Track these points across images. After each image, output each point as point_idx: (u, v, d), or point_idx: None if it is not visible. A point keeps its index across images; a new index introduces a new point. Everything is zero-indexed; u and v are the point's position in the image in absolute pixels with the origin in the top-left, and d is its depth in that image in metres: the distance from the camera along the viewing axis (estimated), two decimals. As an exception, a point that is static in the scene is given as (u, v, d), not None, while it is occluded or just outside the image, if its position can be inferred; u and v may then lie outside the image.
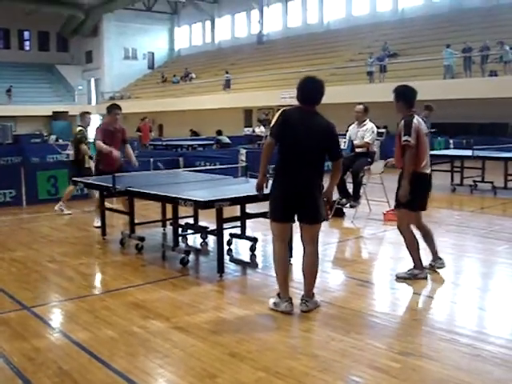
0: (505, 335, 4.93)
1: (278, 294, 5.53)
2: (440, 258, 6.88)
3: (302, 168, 5.35)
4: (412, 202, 6.28)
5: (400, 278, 6.46)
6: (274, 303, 5.53)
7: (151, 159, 13.80)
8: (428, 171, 6.43)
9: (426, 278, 6.45)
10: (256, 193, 5.69)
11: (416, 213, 6.58)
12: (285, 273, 5.54)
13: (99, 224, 9.30)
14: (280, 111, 5.46)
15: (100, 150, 9.38)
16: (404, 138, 6.13)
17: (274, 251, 5.58)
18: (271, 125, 5.48)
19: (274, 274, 5.63)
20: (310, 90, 5.48)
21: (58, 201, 12.52)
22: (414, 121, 6.19)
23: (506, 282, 6.64)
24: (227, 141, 23.94)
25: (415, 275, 6.45)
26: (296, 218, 5.52)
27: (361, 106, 10.59)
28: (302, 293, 5.58)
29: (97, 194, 9.72)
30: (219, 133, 24.29)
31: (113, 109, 9.65)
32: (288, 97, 31.43)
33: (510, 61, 23.82)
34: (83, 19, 50.10)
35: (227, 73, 39.58)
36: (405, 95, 6.36)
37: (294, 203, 5.41)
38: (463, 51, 25.33)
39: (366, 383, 4.03)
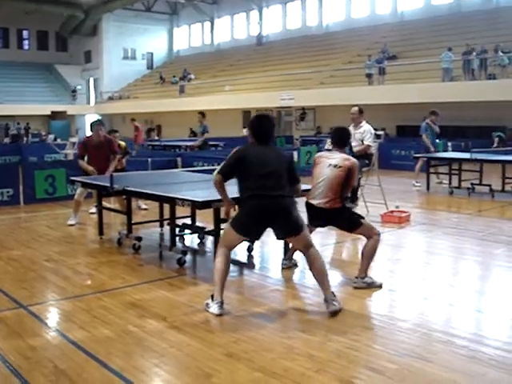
0: (501, 337, 4.93)
1: (212, 296, 5.51)
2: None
3: (274, 190, 5.42)
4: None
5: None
6: (206, 303, 5.53)
7: (149, 159, 13.78)
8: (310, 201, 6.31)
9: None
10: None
11: None
12: (225, 278, 5.53)
13: (73, 222, 10.08)
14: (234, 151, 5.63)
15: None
16: None
17: (219, 257, 5.55)
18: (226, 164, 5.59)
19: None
20: (267, 129, 5.70)
21: (55, 200, 12.55)
22: None
23: (503, 284, 6.64)
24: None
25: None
26: (278, 235, 5.67)
27: (356, 108, 10.58)
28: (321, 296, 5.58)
29: (77, 192, 10.36)
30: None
31: (94, 125, 10.33)
32: (287, 98, 31.51)
33: (505, 65, 23.87)
34: (82, 19, 50.08)
35: (181, 79, 41.27)
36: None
37: (269, 224, 5.53)
38: (464, 54, 25.33)
39: (362, 384, 4.03)
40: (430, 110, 15.19)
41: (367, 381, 4.06)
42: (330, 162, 6.23)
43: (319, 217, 6.35)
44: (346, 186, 6.25)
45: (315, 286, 6.18)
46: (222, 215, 5.79)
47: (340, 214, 6.26)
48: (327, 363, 4.37)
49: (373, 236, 6.33)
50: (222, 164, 5.65)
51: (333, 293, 5.55)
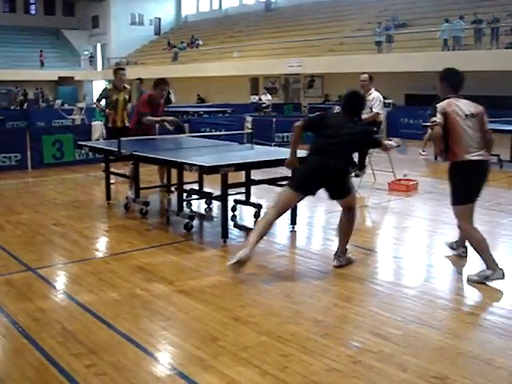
0: (506, 306, 4.95)
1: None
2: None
3: (335, 156, 5.69)
4: (455, 194, 5.68)
5: (471, 282, 5.50)
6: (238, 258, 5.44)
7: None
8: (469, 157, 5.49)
9: (502, 278, 5.42)
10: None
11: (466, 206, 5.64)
12: (264, 234, 5.71)
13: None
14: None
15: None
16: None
17: (269, 214, 5.74)
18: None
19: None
20: (356, 105, 6.13)
21: (63, 165, 12.56)
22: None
23: (508, 254, 6.64)
24: None
25: (487, 277, 5.46)
26: (329, 196, 5.92)
27: (365, 75, 10.49)
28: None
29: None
30: None
31: (161, 84, 9.13)
32: (295, 65, 31.24)
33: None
34: (90, -17, 49.64)
35: (174, 47, 42.04)
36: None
37: (323, 184, 5.79)
38: (473, 23, 25.01)
39: (367, 349, 4.05)
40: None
41: (373, 346, 4.09)
42: (464, 111, 5.59)
43: (486, 172, 5.68)
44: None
45: (321, 252, 6.23)
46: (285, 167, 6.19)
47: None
48: (333, 328, 4.40)
49: None
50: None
51: (346, 250, 6.01)
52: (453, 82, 5.83)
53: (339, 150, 5.70)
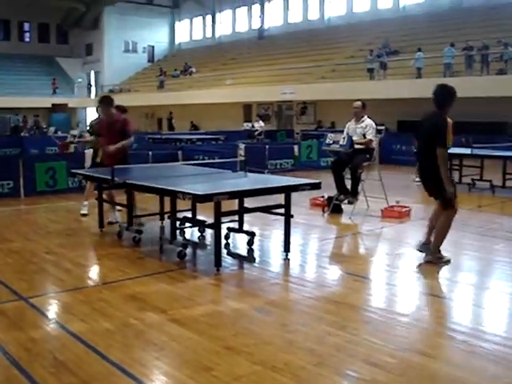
0: (500, 332, 4.94)
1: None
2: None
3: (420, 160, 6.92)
4: None
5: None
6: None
7: (150, 152, 13.79)
8: None
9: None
10: None
11: None
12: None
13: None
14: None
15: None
16: None
17: None
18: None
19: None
20: (435, 94, 6.75)
21: (56, 193, 12.53)
22: None
23: (502, 279, 6.64)
24: None
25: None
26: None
27: (359, 103, 10.57)
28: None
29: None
30: None
31: (99, 104, 9.41)
32: (288, 92, 31.43)
33: (506, 60, 23.88)
34: (84, 11, 50.01)
35: (161, 74, 43.60)
36: None
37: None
38: (464, 50, 25.30)
39: (361, 378, 4.03)
40: None
41: (367, 375, 4.06)
42: None
43: None
44: None
45: (315, 280, 6.23)
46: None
47: None
48: (327, 357, 4.37)
49: None
50: (440, 138, 6.43)
51: (437, 250, 6.86)
52: None
53: (423, 150, 6.41)
